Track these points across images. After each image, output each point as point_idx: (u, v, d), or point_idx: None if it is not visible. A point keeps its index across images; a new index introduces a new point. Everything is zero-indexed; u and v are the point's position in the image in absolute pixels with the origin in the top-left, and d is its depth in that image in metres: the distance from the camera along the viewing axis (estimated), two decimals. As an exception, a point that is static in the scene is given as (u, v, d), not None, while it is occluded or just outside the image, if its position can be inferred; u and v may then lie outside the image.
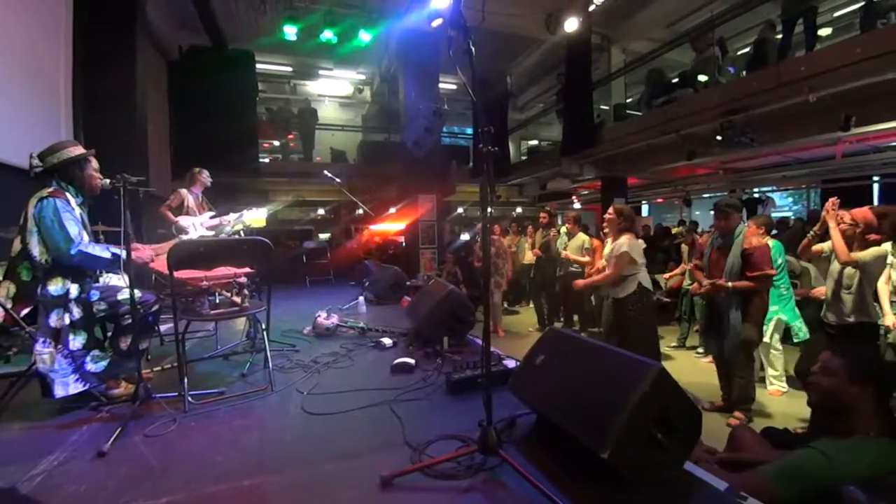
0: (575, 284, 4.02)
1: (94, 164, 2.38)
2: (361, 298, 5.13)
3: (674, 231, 8.64)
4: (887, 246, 2.79)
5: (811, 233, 3.04)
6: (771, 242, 3.75)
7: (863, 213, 2.80)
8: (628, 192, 9.59)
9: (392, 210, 8.35)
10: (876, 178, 8.41)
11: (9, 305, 2.15)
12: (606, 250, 3.70)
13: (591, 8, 7.79)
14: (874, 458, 1.42)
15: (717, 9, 6.87)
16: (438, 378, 2.60)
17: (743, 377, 3.17)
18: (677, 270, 5.94)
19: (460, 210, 13.39)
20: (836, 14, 8.11)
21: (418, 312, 3.62)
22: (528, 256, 7.12)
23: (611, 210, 3.66)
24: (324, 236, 11.32)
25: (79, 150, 2.34)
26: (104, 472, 1.67)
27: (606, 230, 3.74)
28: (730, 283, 3.03)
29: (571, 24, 7.39)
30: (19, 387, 2.21)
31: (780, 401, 3.68)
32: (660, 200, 14.35)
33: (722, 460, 1.81)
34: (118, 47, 5.50)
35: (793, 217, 10.60)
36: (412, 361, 2.85)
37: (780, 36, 5.85)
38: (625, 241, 3.42)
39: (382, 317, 4.53)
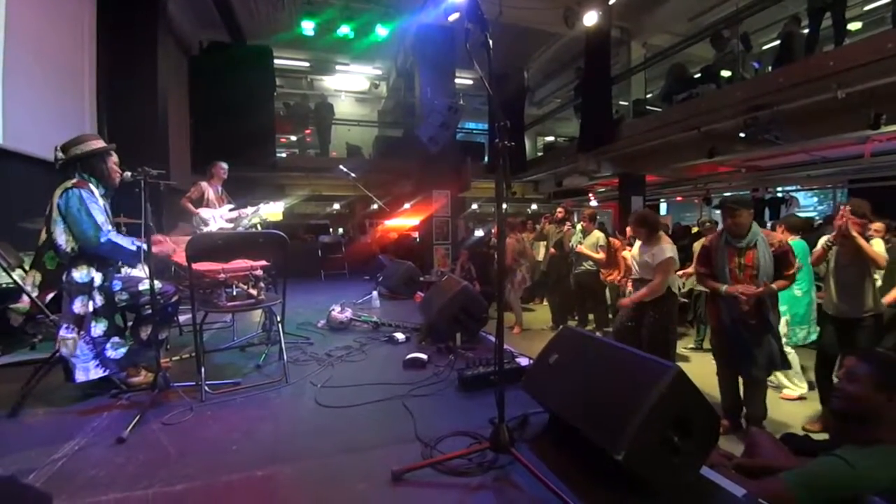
0: (621, 304, 3.71)
1: (115, 158, 2.44)
2: (375, 293, 5.15)
3: (694, 231, 8.44)
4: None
5: (826, 242, 3.02)
6: (794, 241, 3.64)
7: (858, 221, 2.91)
8: (646, 190, 9.40)
9: (406, 205, 8.37)
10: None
11: (35, 294, 2.22)
12: (635, 252, 3.61)
13: (611, 1, 7.63)
14: (901, 468, 1.36)
15: (742, 1, 6.67)
16: (451, 374, 2.60)
17: (762, 392, 3.03)
18: (690, 269, 5.80)
19: (474, 206, 13.33)
20: (867, 7, 7.82)
21: (431, 308, 3.61)
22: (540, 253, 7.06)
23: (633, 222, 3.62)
24: (339, 230, 11.42)
25: (100, 143, 2.40)
26: (123, 458, 1.71)
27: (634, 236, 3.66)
28: (773, 285, 2.83)
29: (591, 18, 7.27)
30: (43, 373, 2.28)
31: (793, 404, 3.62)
32: (679, 199, 14.05)
33: (739, 465, 1.76)
34: (140, 44, 5.62)
35: (818, 218, 10.25)
36: (425, 357, 2.86)
37: (806, 30, 5.66)
38: (667, 246, 3.36)
39: (396, 312, 4.54)
